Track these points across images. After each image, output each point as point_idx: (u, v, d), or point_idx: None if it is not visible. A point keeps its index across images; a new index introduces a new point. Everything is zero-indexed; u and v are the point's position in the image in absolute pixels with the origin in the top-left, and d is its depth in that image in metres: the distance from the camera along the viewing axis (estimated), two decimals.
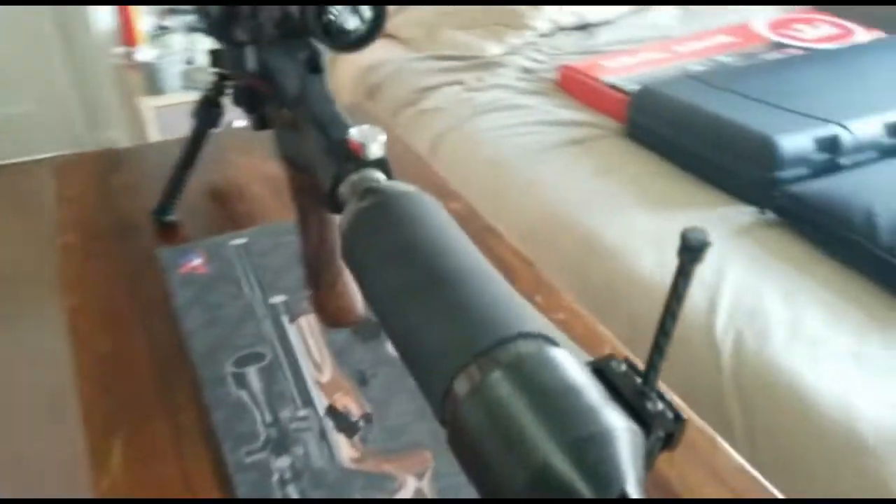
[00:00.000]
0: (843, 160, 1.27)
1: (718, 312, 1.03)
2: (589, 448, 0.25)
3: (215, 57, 0.63)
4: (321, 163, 0.44)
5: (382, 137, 0.43)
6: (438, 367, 0.30)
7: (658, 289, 1.09)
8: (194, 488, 0.49)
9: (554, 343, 0.30)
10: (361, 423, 0.54)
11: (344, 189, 0.41)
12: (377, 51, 1.87)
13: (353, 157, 0.42)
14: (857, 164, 1.27)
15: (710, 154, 1.32)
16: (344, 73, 1.97)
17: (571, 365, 0.28)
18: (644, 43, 1.82)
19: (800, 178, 1.23)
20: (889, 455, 0.82)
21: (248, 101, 0.56)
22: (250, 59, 0.52)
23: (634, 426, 0.26)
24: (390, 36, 2.00)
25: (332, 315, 0.56)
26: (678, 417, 0.29)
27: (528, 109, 1.57)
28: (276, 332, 0.62)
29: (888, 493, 0.79)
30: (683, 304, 0.27)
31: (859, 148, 1.28)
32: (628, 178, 1.34)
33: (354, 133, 0.41)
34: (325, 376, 0.58)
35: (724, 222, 1.20)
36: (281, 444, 0.52)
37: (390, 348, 0.61)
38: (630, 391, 0.29)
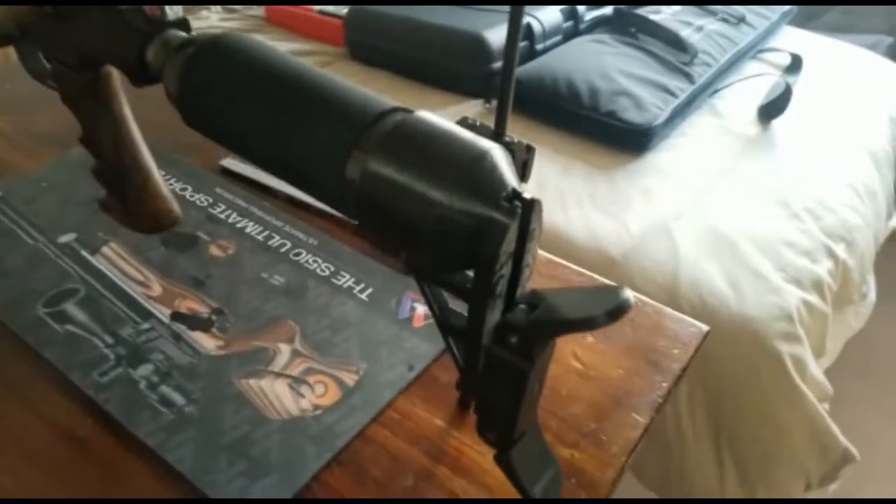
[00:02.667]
0: (538, 46, 1.46)
1: None
2: (478, 167, 0.30)
3: None
4: (116, 39, 0.43)
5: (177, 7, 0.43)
6: (327, 163, 0.33)
7: None
8: (65, 427, 0.46)
9: (411, 111, 0.34)
10: (214, 317, 0.54)
11: (153, 53, 0.41)
12: None
13: (154, 21, 0.41)
14: (548, 48, 1.47)
15: (429, 58, 1.43)
16: None
17: (437, 118, 0.33)
18: None
19: None
20: (628, 262, 1.01)
21: None
22: None
23: (501, 146, 0.32)
24: None
25: (149, 219, 0.53)
26: (530, 147, 0.35)
27: None
28: (80, 267, 0.58)
29: (650, 285, 0.97)
30: (518, 39, 0.33)
31: (547, 34, 1.48)
32: None
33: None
34: (156, 290, 0.56)
35: (458, 117, 1.32)
36: (135, 357, 0.50)
37: (214, 250, 0.60)
38: (489, 134, 0.34)
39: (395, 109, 0.34)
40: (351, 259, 0.60)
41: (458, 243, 0.31)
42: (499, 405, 0.36)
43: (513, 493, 0.41)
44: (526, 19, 1.44)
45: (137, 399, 0.47)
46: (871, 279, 1.28)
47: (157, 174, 0.52)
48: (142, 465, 0.44)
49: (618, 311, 0.30)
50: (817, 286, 1.02)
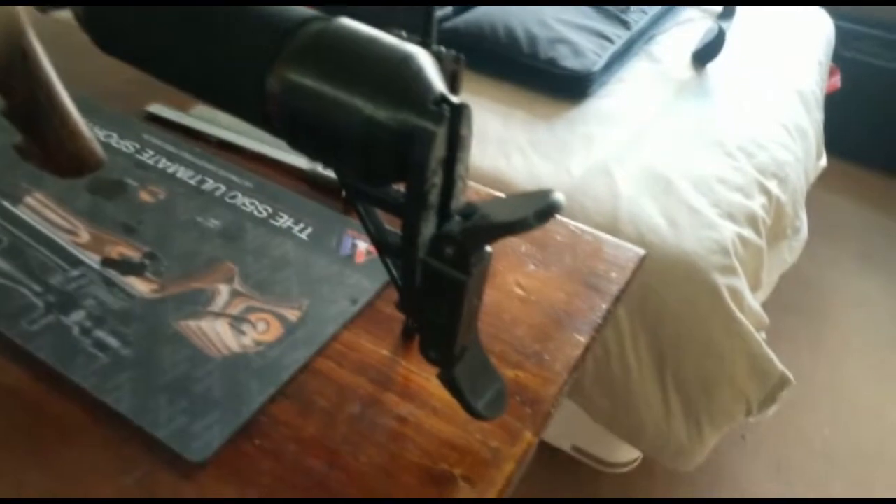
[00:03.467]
0: None
1: None
2: (402, 71, 0.30)
3: None
4: None
5: None
6: (246, 77, 0.32)
7: None
8: None
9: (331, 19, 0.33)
10: (147, 262, 0.52)
11: None
12: None
13: None
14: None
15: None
16: None
17: (361, 25, 0.32)
18: None
19: (447, 18, 1.37)
20: (570, 202, 1.02)
21: None
22: None
23: (427, 52, 0.32)
24: None
25: (71, 161, 0.51)
26: (458, 58, 0.35)
27: None
28: (1, 217, 0.55)
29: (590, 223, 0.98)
30: None
31: None
32: None
33: None
34: (84, 238, 0.54)
35: None
36: (66, 303, 0.48)
37: (144, 196, 0.58)
38: (416, 44, 0.33)
39: (317, 17, 0.33)
40: (289, 200, 0.58)
41: (386, 151, 0.31)
42: (438, 321, 0.36)
43: (457, 413, 0.41)
44: None
45: (70, 345, 0.45)
46: (804, 215, 1.33)
47: (76, 112, 0.50)
48: (76, 409, 0.42)
49: (547, 211, 0.30)
50: (752, 221, 1.05)
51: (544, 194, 0.30)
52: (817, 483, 1.30)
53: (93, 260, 0.52)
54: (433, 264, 0.33)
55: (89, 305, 0.48)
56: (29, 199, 0.57)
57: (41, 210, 0.56)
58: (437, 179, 0.32)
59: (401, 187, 0.33)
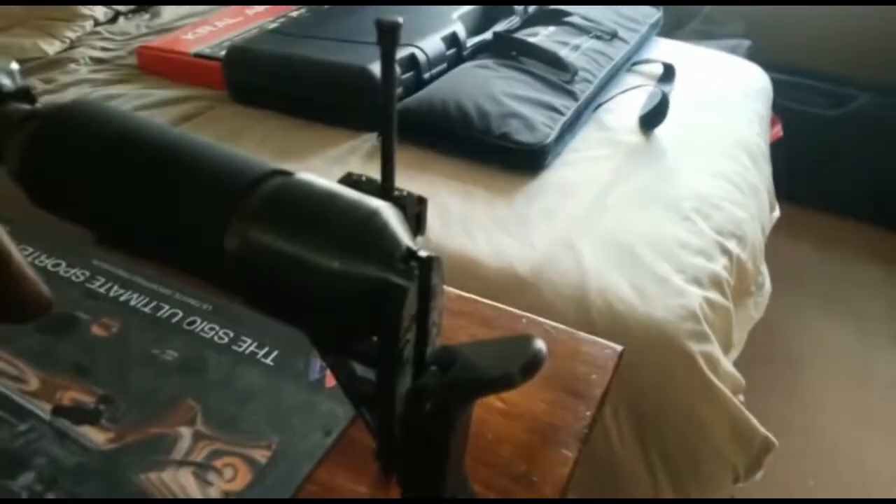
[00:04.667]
0: (424, 76, 1.46)
1: None
2: (366, 229, 0.29)
3: None
4: None
5: (14, 66, 0.39)
6: (202, 237, 0.30)
7: None
8: None
9: (290, 173, 0.31)
10: (102, 407, 0.49)
11: None
12: None
13: None
14: (434, 77, 1.48)
15: (317, 95, 1.40)
16: None
17: (320, 180, 0.31)
18: (212, 13, 1.81)
19: (399, 98, 1.38)
20: (537, 278, 1.01)
21: None
22: None
23: (390, 204, 0.31)
24: None
25: (14, 309, 0.48)
26: (422, 199, 0.34)
27: (122, 98, 1.46)
28: None
29: (560, 297, 0.97)
30: (395, 87, 0.31)
31: (432, 63, 1.49)
32: (256, 139, 1.35)
33: None
34: (33, 384, 0.50)
35: (356, 151, 1.30)
36: (12, 465, 0.44)
37: (97, 330, 0.55)
38: (377, 190, 0.32)
39: (274, 173, 0.31)
40: (251, 322, 0.56)
41: (354, 312, 0.29)
42: (422, 472, 0.34)
43: None
44: (409, 50, 1.44)
45: None
46: (765, 269, 1.34)
47: (17, 254, 0.47)
48: None
49: (532, 365, 0.28)
50: (716, 283, 1.05)
51: (525, 342, 0.29)
52: None
53: (43, 410, 0.48)
54: (412, 420, 0.31)
55: (39, 465, 0.45)
56: None
57: None
58: (411, 335, 0.30)
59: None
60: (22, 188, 0.35)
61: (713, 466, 0.97)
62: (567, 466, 0.46)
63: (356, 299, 0.28)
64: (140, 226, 0.32)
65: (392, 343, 0.29)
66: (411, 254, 0.29)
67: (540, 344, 0.28)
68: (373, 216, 0.29)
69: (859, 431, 1.48)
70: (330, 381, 0.51)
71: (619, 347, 0.55)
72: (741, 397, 1.01)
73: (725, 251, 1.12)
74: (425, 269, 0.28)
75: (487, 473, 0.45)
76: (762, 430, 0.98)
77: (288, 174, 0.31)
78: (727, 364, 1.01)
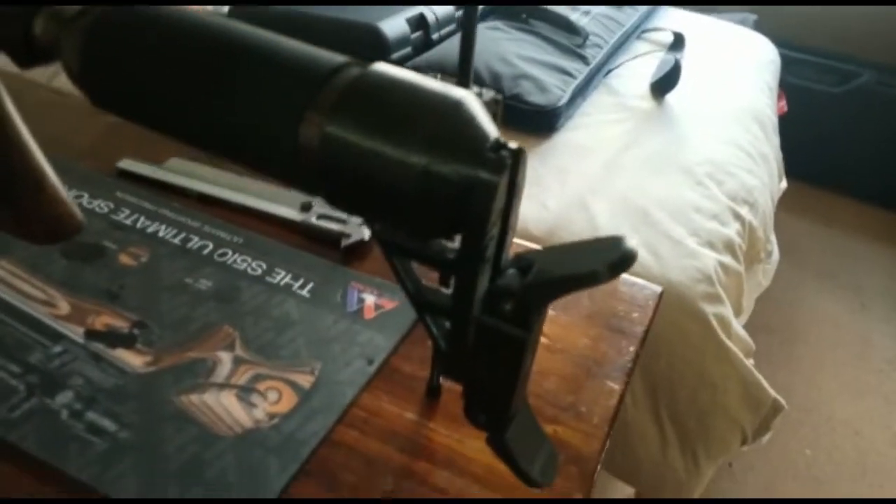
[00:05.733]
0: (433, 35, 1.44)
1: None
2: (455, 118, 0.27)
3: None
4: None
5: None
6: (276, 132, 0.29)
7: None
8: None
9: (366, 63, 0.30)
10: (136, 331, 0.47)
11: (42, 26, 0.35)
12: None
13: None
14: (444, 38, 1.45)
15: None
16: None
17: (398, 69, 0.30)
18: None
19: (408, 57, 1.36)
20: (551, 239, 1.01)
21: None
22: None
23: (472, 93, 0.29)
24: None
25: (48, 227, 0.46)
26: (497, 100, 0.33)
27: None
28: None
29: None
30: None
31: (441, 24, 1.47)
32: None
33: None
34: (63, 309, 0.49)
35: None
36: (50, 385, 0.43)
37: (125, 259, 0.53)
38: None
39: (349, 63, 0.30)
40: (283, 255, 0.55)
41: (443, 207, 0.28)
42: (492, 383, 0.33)
43: (502, 479, 0.38)
44: (418, 10, 1.41)
45: (60, 431, 0.40)
46: (773, 238, 1.35)
47: (52, 174, 0.46)
48: None
49: (622, 262, 0.27)
50: (729, 247, 1.05)
51: (614, 242, 0.28)
52: None
53: (75, 333, 0.47)
54: (490, 322, 0.30)
55: (77, 385, 0.43)
56: None
57: (12, 281, 0.51)
58: (495, 231, 0.29)
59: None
60: (84, 89, 0.33)
61: (722, 427, 0.98)
62: (614, 398, 0.45)
63: (446, 193, 0.27)
64: (209, 122, 0.31)
65: (478, 238, 0.28)
66: (500, 145, 0.28)
67: (632, 242, 0.27)
68: (460, 105, 0.28)
69: (856, 403, 1.50)
70: (369, 312, 0.50)
71: (658, 288, 0.54)
72: (751, 361, 1.02)
73: (738, 216, 1.11)
74: (515, 161, 0.27)
75: (534, 403, 0.44)
76: (772, 392, 0.99)
77: (363, 63, 0.30)
78: (738, 327, 1.01)
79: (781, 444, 1.38)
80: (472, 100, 0.29)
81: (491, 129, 0.28)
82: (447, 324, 0.34)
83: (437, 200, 0.27)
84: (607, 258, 0.27)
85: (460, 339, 0.32)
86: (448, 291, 0.34)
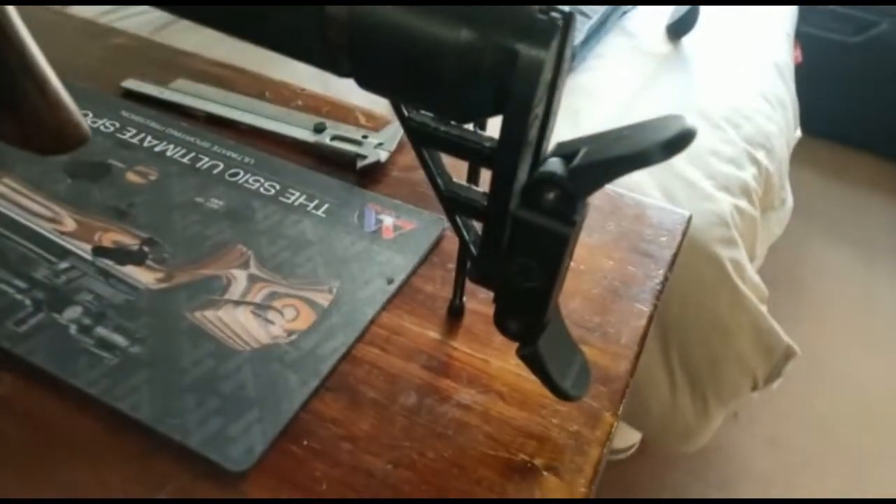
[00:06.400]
0: None
1: None
2: None
3: None
4: None
5: None
6: (301, 6, 0.27)
7: None
8: None
9: None
10: (146, 248, 0.46)
11: None
12: None
13: None
14: None
15: None
16: None
17: None
18: None
19: None
20: None
21: None
22: None
23: None
24: None
25: (52, 134, 0.44)
26: None
27: None
28: None
29: None
30: None
31: None
32: None
33: None
34: (69, 225, 0.47)
35: None
36: (57, 300, 0.42)
37: (132, 177, 0.51)
38: None
39: None
40: (297, 175, 0.53)
41: (486, 80, 0.25)
42: (526, 286, 0.31)
43: (527, 396, 0.37)
44: None
45: (69, 345, 0.39)
46: (788, 185, 1.32)
47: (55, 79, 0.43)
48: (86, 419, 0.36)
49: (678, 140, 0.25)
50: (745, 192, 1.03)
51: (669, 120, 0.26)
52: (813, 456, 1.30)
53: (83, 250, 0.45)
54: (528, 217, 0.28)
55: (85, 300, 0.42)
56: None
57: (14, 197, 0.49)
58: (540, 110, 0.27)
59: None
60: None
61: (733, 372, 0.97)
62: (643, 319, 0.44)
63: (486, 65, 0.25)
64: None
65: (522, 117, 0.26)
66: (550, 6, 0.25)
67: (689, 122, 0.25)
68: None
69: (863, 357, 1.50)
70: (387, 232, 0.48)
71: (686, 213, 0.52)
72: (764, 307, 1.00)
73: (755, 161, 1.09)
74: (566, 24, 0.25)
75: None
76: (785, 337, 0.97)
77: None
78: (752, 272, 0.99)
79: (788, 394, 1.38)
80: None
81: None
82: (477, 225, 0.32)
83: (481, 75, 0.25)
84: (661, 136, 0.25)
85: (496, 238, 0.30)
86: (479, 189, 0.32)
